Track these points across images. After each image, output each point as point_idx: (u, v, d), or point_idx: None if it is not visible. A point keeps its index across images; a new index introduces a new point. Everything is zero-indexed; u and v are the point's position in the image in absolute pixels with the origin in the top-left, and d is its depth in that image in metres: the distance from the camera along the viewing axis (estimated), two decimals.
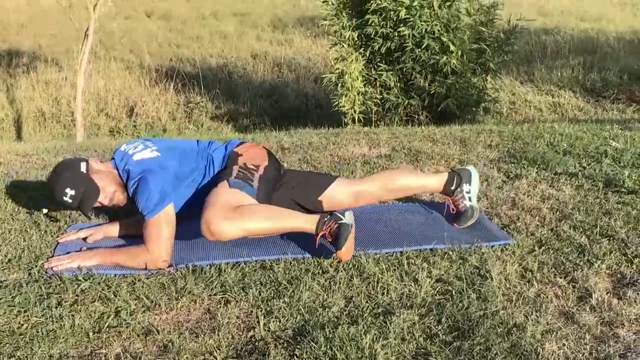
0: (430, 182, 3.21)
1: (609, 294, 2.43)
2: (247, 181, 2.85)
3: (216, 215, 2.62)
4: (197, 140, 3.12)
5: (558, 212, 3.24)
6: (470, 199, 3.13)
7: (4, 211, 3.36)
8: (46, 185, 3.08)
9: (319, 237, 2.73)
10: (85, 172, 2.82)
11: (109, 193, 2.86)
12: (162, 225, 2.69)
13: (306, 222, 2.77)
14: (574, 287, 2.50)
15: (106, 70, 11.73)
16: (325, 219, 2.74)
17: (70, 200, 2.78)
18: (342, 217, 2.72)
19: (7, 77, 11.57)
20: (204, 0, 18.64)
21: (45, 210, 3.30)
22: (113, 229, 3.07)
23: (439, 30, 7.44)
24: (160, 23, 16.44)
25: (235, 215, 2.64)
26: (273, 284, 2.53)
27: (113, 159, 2.92)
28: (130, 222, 3.03)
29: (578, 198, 3.42)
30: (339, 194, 3.10)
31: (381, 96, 7.95)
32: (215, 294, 2.47)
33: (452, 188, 3.15)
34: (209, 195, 2.75)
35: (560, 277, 2.57)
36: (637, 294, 2.42)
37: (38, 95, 10.82)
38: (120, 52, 13.42)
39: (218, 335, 2.20)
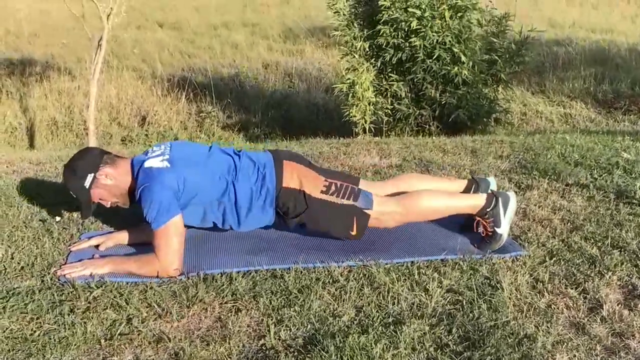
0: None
1: (619, 305, 2.42)
2: (357, 193, 2.97)
3: (397, 214, 2.97)
4: (211, 148, 3.04)
5: (569, 223, 3.24)
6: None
7: (17, 219, 3.38)
8: (59, 194, 3.13)
9: (475, 222, 3.01)
10: (87, 187, 2.87)
11: (109, 202, 2.96)
12: (170, 235, 2.70)
13: (476, 200, 3.04)
14: (585, 298, 2.49)
15: (118, 79, 11.78)
16: (489, 210, 2.97)
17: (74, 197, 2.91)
18: (500, 220, 2.94)
19: (21, 85, 11.64)
20: (215, 11, 18.72)
21: (58, 218, 3.33)
22: (125, 237, 3.08)
23: (450, 41, 7.45)
24: (172, 33, 16.50)
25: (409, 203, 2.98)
26: (284, 292, 2.54)
27: (134, 158, 2.95)
28: (142, 229, 3.04)
29: (589, 209, 3.41)
30: None
31: (392, 106, 7.95)
32: (226, 302, 2.48)
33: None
34: (371, 222, 2.96)
35: (571, 288, 2.56)
36: None
37: (51, 104, 10.87)
38: (132, 62, 13.48)
39: (229, 343, 2.21)
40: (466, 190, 3.20)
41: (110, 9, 8.51)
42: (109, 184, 2.90)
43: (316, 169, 3.09)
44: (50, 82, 11.65)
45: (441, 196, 3.06)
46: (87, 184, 2.86)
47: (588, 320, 2.34)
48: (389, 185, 3.20)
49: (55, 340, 2.24)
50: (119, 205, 2.98)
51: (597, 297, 2.49)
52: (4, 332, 2.29)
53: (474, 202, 3.03)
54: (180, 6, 19.27)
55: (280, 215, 2.95)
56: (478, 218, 3.02)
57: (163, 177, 2.77)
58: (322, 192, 2.92)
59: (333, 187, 2.94)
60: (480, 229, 3.01)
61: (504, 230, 2.94)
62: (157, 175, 2.77)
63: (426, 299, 2.47)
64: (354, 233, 2.92)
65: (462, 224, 3.16)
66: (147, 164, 2.83)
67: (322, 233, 2.99)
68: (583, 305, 2.45)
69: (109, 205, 2.96)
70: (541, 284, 2.61)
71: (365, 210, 2.92)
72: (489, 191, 3.13)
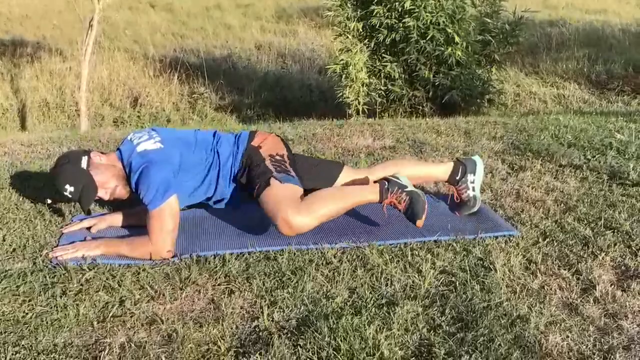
0: (436, 171, 3.23)
1: (612, 286, 2.43)
2: (287, 173, 2.92)
3: (290, 212, 2.70)
4: (196, 130, 3.12)
5: (562, 204, 3.24)
6: (474, 189, 3.15)
7: (9, 201, 3.36)
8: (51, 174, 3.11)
9: (384, 205, 2.92)
10: (85, 167, 2.84)
11: (110, 188, 2.90)
12: (165, 216, 2.69)
13: (370, 193, 2.94)
14: (578, 279, 2.50)
15: (110, 60, 11.72)
16: (387, 187, 2.91)
17: (70, 195, 2.83)
18: (404, 183, 2.91)
19: (12, 67, 11.57)
20: None
21: (49, 200, 3.31)
22: (117, 219, 3.07)
23: (444, 22, 7.42)
24: (164, 15, 16.41)
25: (305, 206, 2.76)
26: (277, 274, 2.54)
27: (118, 149, 2.93)
28: (134, 211, 3.04)
29: (582, 190, 3.41)
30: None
31: (385, 87, 7.93)
32: (219, 284, 2.48)
33: (457, 178, 3.16)
34: (266, 195, 2.80)
35: (564, 269, 2.57)
36: None
37: (42, 85, 10.81)
38: (124, 43, 13.41)
39: (222, 325, 2.20)
40: (454, 173, 3.21)
41: None
42: (104, 162, 2.89)
43: (289, 150, 3.14)
44: (42, 63, 11.58)
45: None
46: (84, 165, 2.84)
47: (581, 301, 2.34)
48: (378, 170, 3.20)
49: (47, 322, 2.23)
50: (116, 196, 2.94)
51: (590, 277, 2.49)
52: None
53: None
54: None
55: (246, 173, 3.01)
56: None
57: (159, 156, 2.78)
58: (269, 154, 2.99)
59: (277, 157, 3.00)
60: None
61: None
62: (154, 155, 2.78)
63: (419, 280, 2.47)
64: (254, 196, 2.88)
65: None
66: (140, 148, 2.82)
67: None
68: (576, 286, 2.45)
69: (107, 197, 2.93)
70: (534, 265, 2.61)
71: (272, 180, 2.85)
72: (455, 159, 3.27)
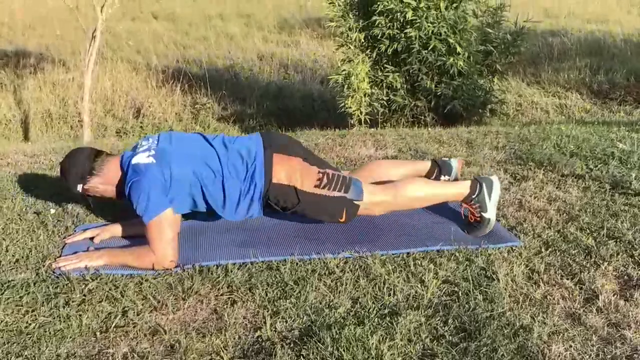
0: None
1: (615, 296, 2.43)
2: (346, 184, 2.96)
3: (380, 201, 2.98)
4: (203, 139, 3.01)
5: (565, 214, 3.24)
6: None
7: (12, 211, 3.37)
8: (54, 186, 3.14)
9: (463, 208, 3.09)
10: (80, 191, 2.93)
11: (100, 196, 3.01)
12: (162, 227, 2.70)
13: (462, 187, 3.08)
14: (580, 288, 2.49)
15: (113, 71, 11.74)
16: (477, 193, 3.03)
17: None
18: (487, 204, 3.00)
19: (15, 77, 11.60)
20: (210, 2, 18.65)
21: (52, 211, 3.32)
22: (120, 229, 3.08)
23: (445, 32, 7.43)
24: (167, 24, 16.45)
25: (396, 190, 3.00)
26: (279, 284, 2.54)
27: (122, 155, 2.94)
28: (137, 221, 3.02)
29: (585, 200, 3.41)
30: None
31: (387, 97, 7.94)
32: (222, 294, 2.48)
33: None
34: (361, 211, 2.98)
35: (567, 279, 2.57)
36: None
37: (45, 96, 10.83)
38: (127, 53, 13.44)
39: (225, 335, 2.21)
40: (429, 173, 3.26)
41: (104, 0, 8.48)
42: (99, 189, 2.94)
43: (309, 156, 3.08)
44: (45, 74, 11.61)
45: (427, 185, 3.10)
46: (79, 190, 2.93)
47: (584, 310, 2.34)
48: (364, 172, 3.21)
49: (50, 332, 2.23)
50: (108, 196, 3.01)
51: (593, 287, 2.49)
52: None
53: (459, 189, 3.08)
54: None
55: (271, 208, 2.94)
56: (465, 205, 3.08)
57: (149, 172, 2.75)
58: (315, 186, 2.90)
59: (325, 179, 2.93)
60: (468, 215, 3.08)
61: (491, 214, 3.00)
62: (144, 171, 2.76)
63: (422, 290, 2.47)
64: (342, 220, 2.96)
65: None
66: (134, 161, 2.82)
67: (310, 219, 3.03)
68: (579, 295, 2.45)
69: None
70: (537, 274, 2.61)
71: (356, 202, 2.92)
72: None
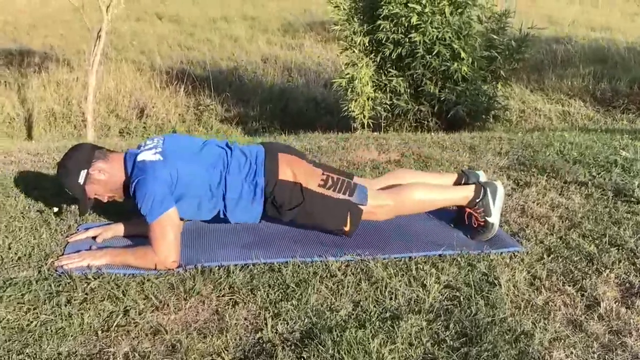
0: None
1: (617, 303, 2.43)
2: (351, 187, 2.98)
3: (385, 207, 2.98)
4: (205, 142, 3.04)
5: (567, 221, 3.24)
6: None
7: (15, 209, 3.37)
8: (57, 185, 3.13)
9: (466, 213, 3.06)
10: (82, 183, 2.86)
11: (105, 197, 2.96)
12: (165, 227, 2.70)
13: (465, 190, 3.11)
14: (582, 295, 2.50)
15: (117, 71, 11.75)
16: (478, 200, 3.04)
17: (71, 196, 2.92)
18: (491, 207, 3.01)
19: (19, 76, 11.61)
20: (214, 4, 18.67)
21: (55, 209, 3.33)
22: (122, 228, 3.08)
23: (450, 37, 7.44)
24: (171, 26, 16.46)
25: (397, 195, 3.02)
26: (281, 286, 2.54)
27: (126, 154, 2.94)
28: (140, 221, 3.02)
29: (587, 207, 3.41)
30: None
31: (391, 102, 7.94)
32: (223, 295, 2.48)
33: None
34: (365, 216, 2.97)
35: (569, 285, 2.57)
36: None
37: (49, 95, 10.85)
38: (131, 54, 13.46)
39: (226, 336, 2.21)
40: (456, 184, 3.22)
41: (110, 0, 8.49)
42: (103, 178, 2.89)
43: (312, 162, 3.10)
44: (49, 73, 11.63)
45: (431, 189, 3.09)
46: (81, 180, 2.85)
47: (585, 317, 2.34)
48: (381, 182, 3.20)
49: (52, 330, 2.24)
50: (115, 199, 2.98)
51: (594, 294, 2.49)
52: (1, 322, 2.29)
53: (463, 193, 3.09)
54: None
55: (276, 208, 2.94)
56: (468, 209, 3.07)
57: (155, 170, 2.76)
58: (319, 185, 2.92)
59: (330, 181, 2.94)
60: (472, 220, 3.06)
61: (495, 219, 3.01)
62: (150, 168, 2.77)
63: (424, 294, 2.47)
64: (347, 228, 2.93)
65: (453, 217, 3.22)
66: (140, 158, 2.82)
67: (313, 227, 3.00)
68: (580, 302, 2.45)
69: (105, 200, 2.96)
70: (539, 280, 2.61)
71: (360, 205, 2.92)
72: (476, 182, 3.17)
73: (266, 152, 3.00)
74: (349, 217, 2.91)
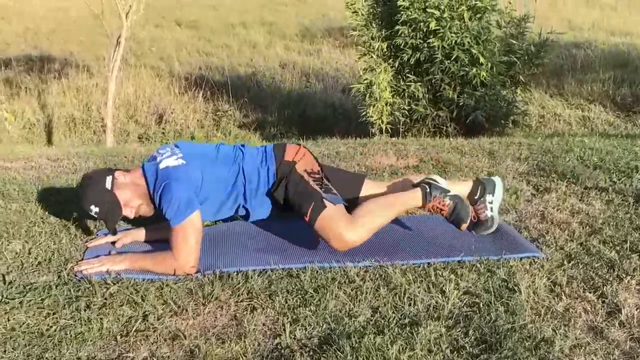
0: (455, 189, 3.14)
1: (638, 310, 2.40)
2: (331, 192, 2.96)
3: (345, 231, 2.80)
4: (218, 145, 3.09)
5: (588, 227, 3.21)
6: (492, 210, 3.12)
7: (35, 214, 3.40)
8: (76, 190, 3.15)
9: (427, 209, 3.00)
10: (109, 188, 2.86)
11: (134, 207, 2.92)
12: (188, 232, 2.71)
13: (411, 199, 3.01)
14: (603, 302, 2.47)
15: (136, 77, 11.84)
16: (428, 191, 2.98)
17: (95, 215, 2.87)
18: (445, 187, 3.00)
19: (39, 82, 11.73)
20: (232, 10, 18.76)
21: (75, 214, 3.34)
22: (141, 234, 3.10)
23: (469, 42, 7.42)
24: (190, 32, 16.56)
25: (357, 222, 2.85)
26: (299, 292, 2.53)
27: (143, 166, 2.95)
28: (159, 227, 3.05)
29: (608, 213, 3.39)
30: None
31: (409, 107, 7.93)
32: (241, 301, 2.48)
33: (476, 197, 3.12)
34: (321, 219, 2.83)
35: (590, 292, 2.54)
36: None
37: (69, 101, 10.95)
38: (150, 60, 13.55)
39: (244, 341, 2.21)
40: (472, 192, 3.17)
41: (129, 7, 8.56)
42: (127, 182, 2.90)
43: (321, 164, 3.15)
44: (69, 79, 11.74)
45: (379, 197, 3.08)
46: (108, 185, 2.86)
47: (606, 324, 2.32)
48: (399, 183, 3.21)
49: (71, 335, 2.25)
50: (141, 213, 2.96)
51: (615, 301, 2.46)
52: (21, 326, 2.30)
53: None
54: (198, 5, 19.33)
55: (278, 185, 3.00)
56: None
57: (181, 173, 2.79)
58: (305, 170, 2.99)
59: (317, 175, 3.02)
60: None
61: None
62: (175, 172, 2.79)
63: (443, 300, 2.46)
64: (306, 218, 2.87)
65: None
66: (162, 165, 2.84)
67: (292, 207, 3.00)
68: (601, 309, 2.42)
69: (132, 215, 2.95)
70: (559, 287, 2.58)
71: (325, 201, 2.88)
72: (474, 179, 3.23)
73: (275, 144, 3.16)
74: (311, 206, 2.86)
